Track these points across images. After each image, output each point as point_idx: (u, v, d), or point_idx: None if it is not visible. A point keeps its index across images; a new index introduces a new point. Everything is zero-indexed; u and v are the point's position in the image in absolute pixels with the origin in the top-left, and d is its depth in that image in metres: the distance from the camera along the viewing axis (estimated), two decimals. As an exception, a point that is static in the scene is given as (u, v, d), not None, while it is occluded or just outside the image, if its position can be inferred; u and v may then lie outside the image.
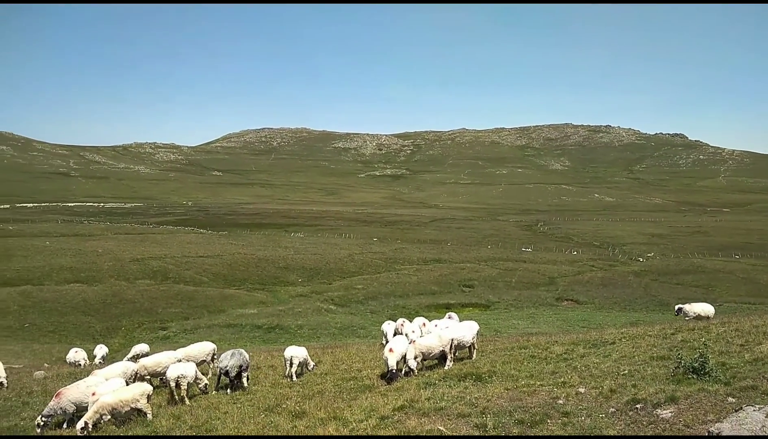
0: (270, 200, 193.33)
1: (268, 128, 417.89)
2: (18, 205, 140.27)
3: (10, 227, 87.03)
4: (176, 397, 15.90)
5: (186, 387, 15.86)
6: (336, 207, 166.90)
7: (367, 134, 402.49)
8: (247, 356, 17.38)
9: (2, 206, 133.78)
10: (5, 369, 20.90)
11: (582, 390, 12.54)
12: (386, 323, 23.91)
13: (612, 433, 10.21)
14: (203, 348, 19.82)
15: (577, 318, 39.60)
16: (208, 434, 12.64)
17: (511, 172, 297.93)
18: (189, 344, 20.80)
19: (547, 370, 15.24)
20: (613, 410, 11.16)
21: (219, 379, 17.35)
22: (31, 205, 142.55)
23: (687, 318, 25.47)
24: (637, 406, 11.09)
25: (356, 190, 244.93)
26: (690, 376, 12.43)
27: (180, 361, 17.76)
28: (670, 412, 10.58)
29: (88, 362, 27.74)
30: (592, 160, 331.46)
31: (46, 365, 27.43)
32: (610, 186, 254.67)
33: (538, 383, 13.71)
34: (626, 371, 13.83)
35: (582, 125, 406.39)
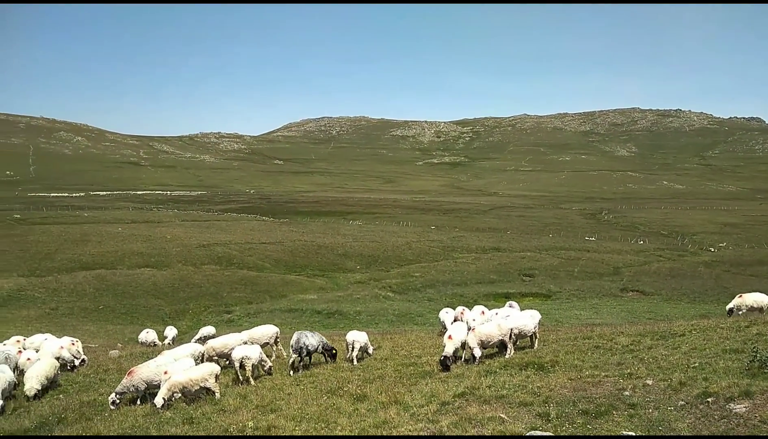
0: (329, 188, 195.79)
1: (328, 117, 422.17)
2: (92, 193, 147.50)
3: (85, 214, 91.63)
4: (241, 377, 16.46)
5: (250, 368, 16.38)
6: (394, 195, 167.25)
7: (426, 122, 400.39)
8: (300, 337, 17.71)
9: (78, 194, 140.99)
10: (83, 348, 22.16)
11: (649, 382, 12.18)
12: (443, 310, 23.73)
13: (681, 426, 9.89)
14: (266, 331, 20.39)
15: (643, 310, 38.29)
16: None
17: (574, 158, 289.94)
18: (252, 327, 21.41)
19: (612, 361, 14.85)
20: (683, 403, 10.80)
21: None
22: (104, 193, 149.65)
23: (740, 313, 23.38)
24: (709, 400, 10.69)
25: (414, 178, 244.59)
26: (766, 370, 11.88)
27: (246, 343, 18.33)
28: (745, 407, 10.14)
29: (158, 342, 29.00)
30: (661, 146, 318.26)
31: (119, 344, 28.82)
32: (679, 173, 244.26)
33: (603, 373, 13.39)
34: (697, 364, 13.33)
35: (650, 110, 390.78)
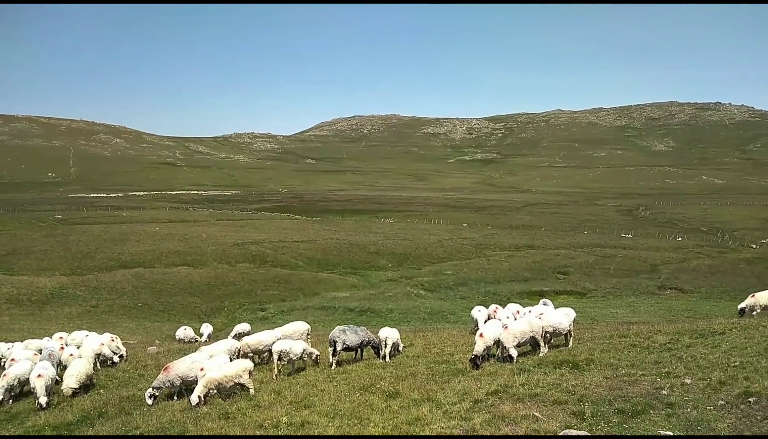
0: (361, 187, 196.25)
1: (359, 116, 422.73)
2: (130, 193, 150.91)
3: (124, 214, 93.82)
4: (278, 370, 16.74)
5: (287, 362, 16.70)
6: (425, 193, 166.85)
7: (457, 119, 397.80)
8: (334, 331, 17.93)
9: (116, 195, 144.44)
10: (123, 344, 22.72)
11: (688, 381, 11.92)
12: (476, 308, 23.56)
13: (721, 426, 9.65)
14: (298, 327, 20.63)
15: (682, 307, 37.45)
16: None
17: (609, 154, 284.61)
18: (285, 324, 21.64)
19: (649, 359, 14.55)
20: (723, 402, 10.54)
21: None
22: (142, 193, 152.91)
23: (754, 313, 21.81)
24: (750, 399, 10.41)
25: (446, 176, 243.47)
26: (812, 370, 11.51)
27: (279, 339, 18.56)
28: (789, 407, 9.84)
29: (195, 338, 29.54)
30: (700, 140, 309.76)
31: (157, 341, 29.41)
32: (719, 167, 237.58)
33: (640, 372, 13.15)
34: (737, 363, 12.97)
35: (688, 103, 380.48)
